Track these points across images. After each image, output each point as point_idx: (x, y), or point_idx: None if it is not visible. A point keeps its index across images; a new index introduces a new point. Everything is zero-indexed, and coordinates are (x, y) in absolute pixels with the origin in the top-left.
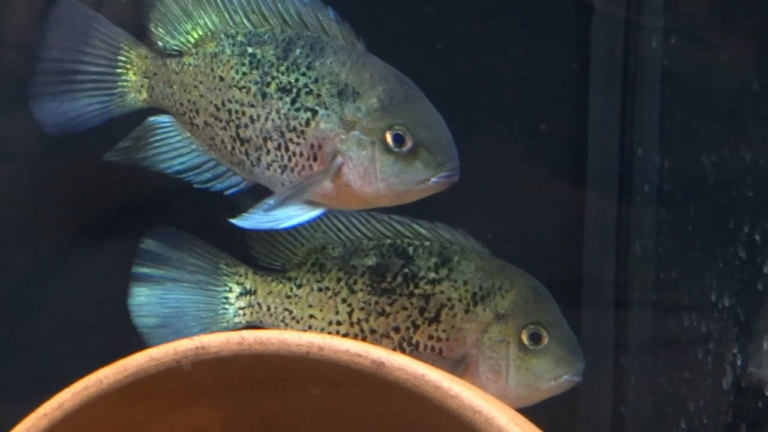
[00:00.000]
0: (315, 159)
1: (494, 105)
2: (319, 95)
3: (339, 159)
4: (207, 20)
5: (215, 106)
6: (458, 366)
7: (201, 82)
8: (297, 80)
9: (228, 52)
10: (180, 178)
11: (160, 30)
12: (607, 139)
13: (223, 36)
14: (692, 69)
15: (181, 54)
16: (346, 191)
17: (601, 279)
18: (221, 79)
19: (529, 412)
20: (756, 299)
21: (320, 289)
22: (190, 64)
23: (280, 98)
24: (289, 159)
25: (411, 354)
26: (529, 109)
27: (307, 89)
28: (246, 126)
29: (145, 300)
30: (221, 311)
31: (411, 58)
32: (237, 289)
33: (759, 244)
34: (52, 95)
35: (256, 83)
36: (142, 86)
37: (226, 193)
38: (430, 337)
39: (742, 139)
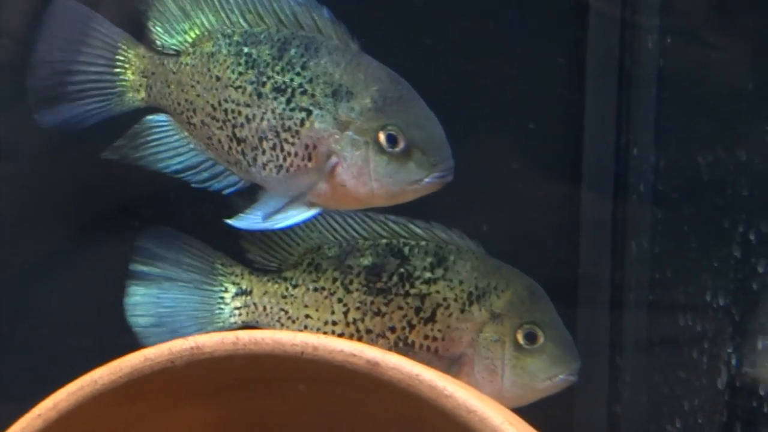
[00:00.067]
0: (310, 159)
1: (489, 104)
2: (313, 95)
3: (333, 159)
4: (204, 20)
5: (212, 105)
6: (454, 366)
7: (198, 82)
8: (292, 80)
9: (224, 51)
10: (178, 177)
11: (159, 29)
12: (602, 138)
13: (219, 36)
14: (688, 69)
15: (178, 53)
16: (341, 191)
17: (597, 278)
18: (218, 78)
19: (524, 411)
20: (751, 299)
21: (316, 289)
22: (187, 64)
23: (276, 98)
24: (285, 159)
25: (407, 354)
26: (524, 109)
27: (302, 89)
28: (242, 126)
29: (140, 299)
30: (217, 311)
31: (405, 58)
32: (233, 289)
33: (754, 244)
34: (50, 94)
35: (252, 83)
36: (140, 85)
37: (224, 192)
38: (426, 337)
39: (737, 139)
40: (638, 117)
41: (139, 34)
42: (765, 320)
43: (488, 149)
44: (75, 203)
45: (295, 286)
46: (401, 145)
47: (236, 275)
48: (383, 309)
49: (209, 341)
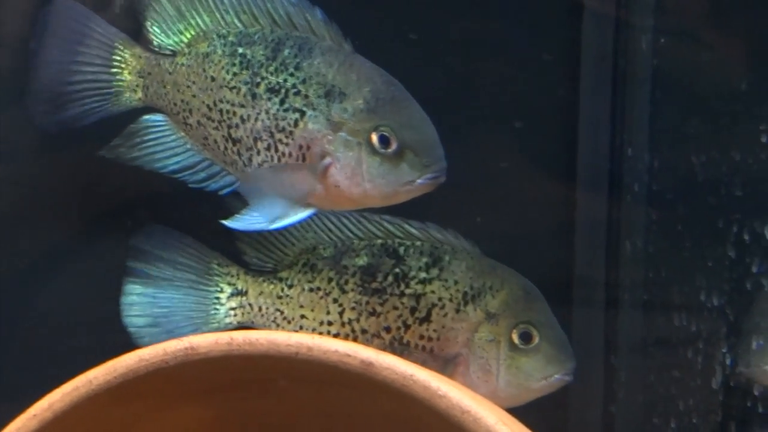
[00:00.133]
0: (304, 159)
1: (483, 104)
2: (306, 96)
3: (327, 159)
4: (199, 20)
5: (207, 106)
6: (449, 365)
7: (193, 82)
8: (285, 81)
9: (219, 52)
10: (175, 177)
11: (156, 29)
12: (597, 138)
13: (214, 36)
14: (682, 69)
15: (174, 54)
16: (335, 192)
17: (592, 278)
18: (213, 79)
19: (519, 411)
20: (745, 299)
21: (311, 290)
22: (183, 64)
23: (269, 99)
24: (279, 159)
25: (402, 354)
26: (519, 109)
27: (296, 90)
28: (237, 126)
29: (136, 299)
30: (212, 311)
31: (398, 59)
32: (228, 290)
33: (748, 244)
34: (47, 94)
35: (246, 83)
36: (137, 86)
37: (221, 192)
38: (421, 337)
39: (731, 139)
40: (632, 117)
41: (137, 34)
42: (759, 320)
43: (483, 149)
44: (72, 203)
45: (290, 287)
46: (394, 146)
47: (232, 275)
48: (379, 309)
49: (204, 342)
